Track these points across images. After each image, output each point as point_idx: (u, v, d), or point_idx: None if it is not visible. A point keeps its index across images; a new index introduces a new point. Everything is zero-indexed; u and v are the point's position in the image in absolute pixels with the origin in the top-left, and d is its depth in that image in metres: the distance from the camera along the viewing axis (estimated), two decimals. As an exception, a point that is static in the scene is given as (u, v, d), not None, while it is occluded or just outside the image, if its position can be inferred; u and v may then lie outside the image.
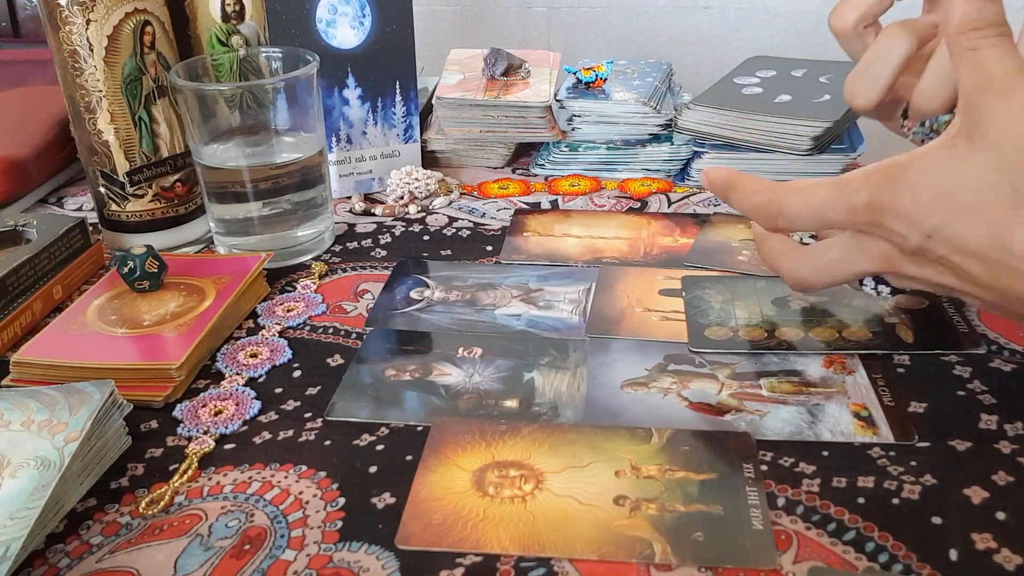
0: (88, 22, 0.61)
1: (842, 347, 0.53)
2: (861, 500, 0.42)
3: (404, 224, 0.73)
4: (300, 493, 0.44)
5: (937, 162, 0.40)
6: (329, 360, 0.55)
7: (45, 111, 0.83)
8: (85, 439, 0.44)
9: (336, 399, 0.51)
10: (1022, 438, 0.45)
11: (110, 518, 0.43)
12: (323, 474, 0.45)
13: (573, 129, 0.83)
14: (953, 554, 0.39)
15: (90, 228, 0.67)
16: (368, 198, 0.78)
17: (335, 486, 0.44)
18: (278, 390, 0.52)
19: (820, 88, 0.81)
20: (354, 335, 0.57)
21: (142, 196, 0.67)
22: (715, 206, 0.74)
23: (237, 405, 0.51)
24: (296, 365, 0.55)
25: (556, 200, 0.77)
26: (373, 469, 0.45)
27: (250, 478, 0.45)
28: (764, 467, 0.44)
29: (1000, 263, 0.39)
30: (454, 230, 0.71)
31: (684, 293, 0.60)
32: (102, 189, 0.67)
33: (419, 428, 0.48)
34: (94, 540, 0.42)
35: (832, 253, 0.46)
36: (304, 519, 0.42)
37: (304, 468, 0.46)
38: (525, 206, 0.76)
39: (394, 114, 0.78)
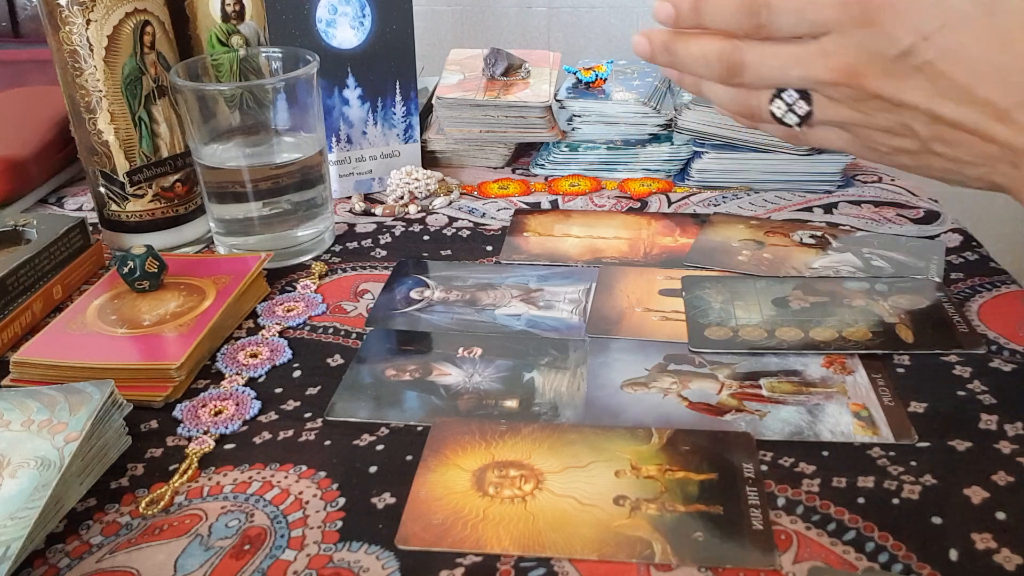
0: (88, 22, 0.61)
1: (842, 347, 0.53)
2: (861, 500, 0.42)
3: (404, 224, 0.73)
4: (300, 493, 0.44)
5: None
6: (329, 360, 0.55)
7: (45, 111, 0.83)
8: (85, 439, 0.44)
9: (336, 399, 0.51)
10: (1022, 438, 0.45)
11: (110, 518, 0.43)
12: (323, 474, 0.45)
13: (573, 129, 0.83)
14: (953, 554, 0.39)
15: (90, 228, 0.67)
16: (368, 198, 0.78)
17: (335, 486, 0.44)
18: (278, 390, 0.52)
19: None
20: (354, 335, 0.57)
21: (142, 196, 0.67)
22: (715, 206, 0.74)
23: (237, 405, 0.51)
24: (296, 365, 0.55)
25: (556, 200, 0.77)
26: (373, 469, 0.45)
27: (250, 478, 0.45)
28: (764, 467, 0.44)
29: (998, 73, 0.39)
30: (454, 230, 0.71)
31: (684, 293, 0.60)
32: (102, 189, 0.67)
33: (419, 428, 0.48)
34: (94, 540, 0.42)
35: (788, 48, 0.43)
36: (304, 519, 0.42)
37: (304, 468, 0.46)
38: (525, 206, 0.76)
39: (394, 114, 0.78)
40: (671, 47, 0.47)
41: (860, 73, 0.41)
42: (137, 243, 0.60)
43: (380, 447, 0.47)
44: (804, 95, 0.44)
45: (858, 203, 0.73)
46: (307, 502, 0.43)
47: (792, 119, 0.46)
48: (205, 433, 0.49)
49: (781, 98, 0.45)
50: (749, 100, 0.46)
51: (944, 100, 0.40)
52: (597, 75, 0.84)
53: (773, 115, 0.46)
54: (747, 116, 0.47)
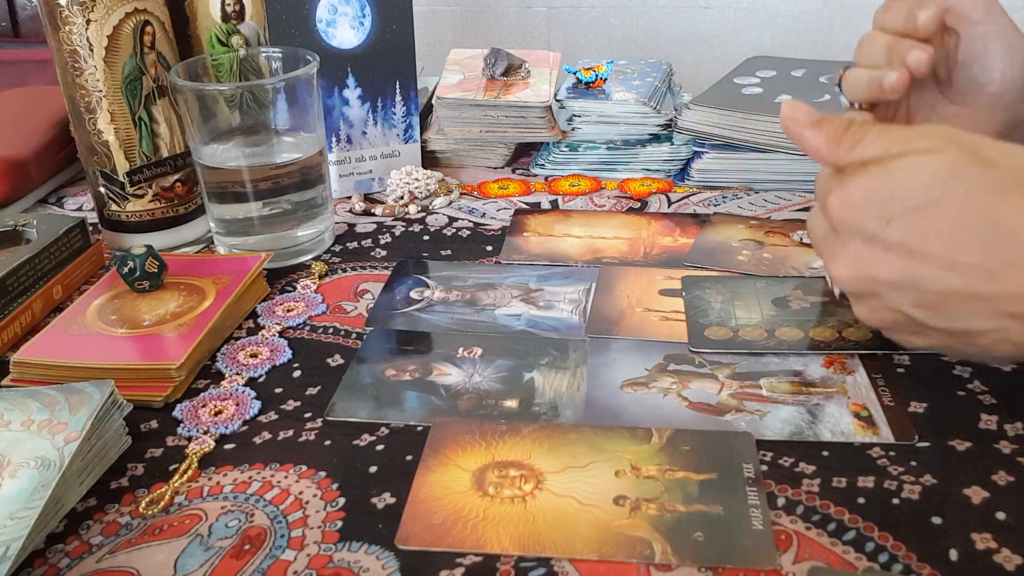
0: (88, 22, 0.61)
1: (842, 347, 0.53)
2: (861, 500, 0.42)
3: (404, 224, 0.73)
4: (300, 493, 0.44)
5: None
6: (329, 360, 0.55)
7: (45, 111, 0.83)
8: (85, 439, 0.44)
9: (336, 399, 0.51)
10: (1022, 438, 0.45)
11: (110, 518, 0.43)
12: (323, 474, 0.45)
13: (573, 129, 0.83)
14: (953, 554, 0.39)
15: (90, 228, 0.67)
16: (368, 198, 0.78)
17: (335, 486, 0.44)
18: (278, 390, 0.52)
19: (820, 88, 0.81)
20: (354, 335, 0.57)
21: (142, 196, 0.67)
22: (715, 206, 0.74)
23: (237, 405, 0.51)
24: (296, 365, 0.55)
25: (556, 200, 0.77)
26: (373, 469, 0.45)
27: (250, 478, 0.45)
28: (764, 467, 0.44)
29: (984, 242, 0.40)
30: (454, 230, 0.71)
31: (684, 293, 0.60)
32: (102, 189, 0.67)
33: (419, 428, 0.48)
34: (94, 540, 0.42)
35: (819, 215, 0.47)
36: (304, 519, 0.42)
37: (304, 468, 0.46)
38: (525, 206, 0.76)
39: (394, 114, 0.78)
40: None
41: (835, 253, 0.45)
42: (137, 243, 0.60)
43: (380, 447, 0.47)
44: None
45: (858, 203, 0.73)
46: (307, 502, 0.43)
47: (835, 289, 0.49)
48: (205, 433, 0.49)
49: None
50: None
51: (926, 270, 0.41)
52: (597, 75, 0.84)
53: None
54: None
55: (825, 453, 0.45)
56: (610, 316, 0.58)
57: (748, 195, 0.76)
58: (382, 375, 0.53)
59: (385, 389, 0.52)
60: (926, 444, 0.45)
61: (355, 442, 0.47)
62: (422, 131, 0.84)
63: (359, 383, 0.52)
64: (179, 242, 0.69)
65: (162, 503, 0.44)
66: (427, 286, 0.63)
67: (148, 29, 0.64)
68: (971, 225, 0.40)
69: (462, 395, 0.51)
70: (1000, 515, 0.40)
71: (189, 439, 0.48)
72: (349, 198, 0.77)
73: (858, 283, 0.44)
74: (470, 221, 0.73)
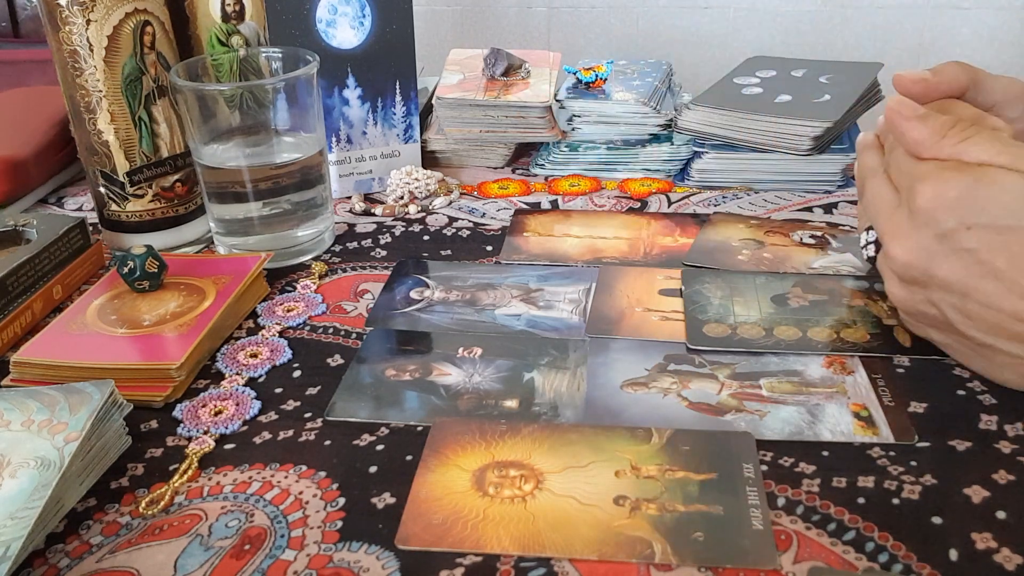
0: (88, 22, 0.61)
1: (839, 349, 0.53)
2: (861, 500, 0.42)
3: (404, 224, 0.73)
4: (300, 493, 0.44)
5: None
6: (329, 360, 0.55)
7: (45, 111, 0.83)
8: (85, 439, 0.44)
9: (336, 399, 0.51)
10: (1022, 438, 0.45)
11: (110, 518, 0.43)
12: (323, 474, 0.45)
13: (573, 129, 0.83)
14: (953, 554, 0.39)
15: (90, 228, 0.67)
16: (368, 198, 0.78)
17: (335, 486, 0.44)
18: (278, 390, 0.52)
19: (820, 88, 0.81)
20: (354, 335, 0.57)
21: (142, 196, 0.67)
22: (715, 206, 0.74)
23: (237, 405, 0.51)
24: (296, 365, 0.55)
25: (556, 200, 0.77)
26: (373, 469, 0.45)
27: (250, 478, 0.45)
28: (764, 467, 0.44)
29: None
30: (454, 230, 0.71)
31: (684, 287, 0.60)
32: (102, 189, 0.67)
33: (419, 428, 0.48)
34: (94, 540, 0.42)
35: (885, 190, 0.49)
36: (304, 519, 0.42)
37: (304, 468, 0.46)
38: (525, 206, 0.76)
39: (394, 114, 0.78)
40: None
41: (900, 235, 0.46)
42: (137, 243, 0.60)
43: (380, 447, 0.47)
44: (877, 241, 0.50)
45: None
46: (307, 502, 0.43)
47: (868, 252, 0.52)
48: (205, 433, 0.49)
49: (868, 231, 0.52)
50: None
51: (985, 283, 0.43)
52: (597, 75, 0.84)
53: (861, 239, 0.52)
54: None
55: (825, 453, 0.45)
56: (610, 316, 0.58)
57: (748, 195, 0.76)
58: (382, 375, 0.53)
59: (385, 389, 0.52)
60: (926, 444, 0.45)
61: (355, 442, 0.47)
62: (422, 131, 0.84)
63: (359, 383, 0.52)
64: (179, 242, 0.69)
65: (162, 503, 0.44)
66: (427, 286, 0.63)
67: (148, 29, 0.64)
68: None
69: (462, 395, 0.51)
70: (1000, 515, 0.41)
71: (189, 439, 0.48)
72: (349, 198, 0.77)
73: (912, 270, 0.46)
74: (470, 221, 0.73)
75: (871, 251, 0.51)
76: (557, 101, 0.82)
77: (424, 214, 0.74)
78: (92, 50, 0.62)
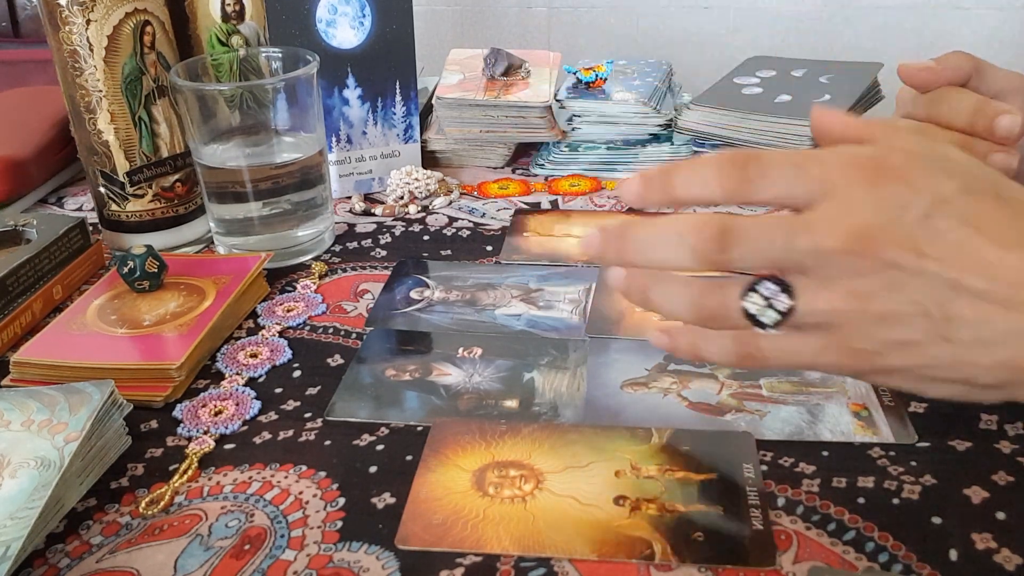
0: (88, 22, 0.61)
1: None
2: (861, 500, 0.42)
3: (404, 224, 0.73)
4: (300, 493, 0.44)
5: None
6: (329, 360, 0.55)
7: (45, 111, 0.83)
8: (85, 439, 0.44)
9: (336, 399, 0.51)
10: (1022, 438, 0.45)
11: (110, 518, 0.43)
12: (323, 474, 0.45)
13: (573, 129, 0.83)
14: (953, 554, 0.39)
15: (90, 228, 0.67)
16: (368, 198, 0.78)
17: (335, 486, 0.44)
18: (278, 390, 0.52)
19: (820, 88, 0.81)
20: (354, 335, 0.57)
21: (142, 196, 0.67)
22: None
23: (237, 405, 0.51)
24: (296, 365, 0.55)
25: (556, 200, 0.77)
26: (373, 469, 0.45)
27: (250, 478, 0.45)
28: (764, 467, 0.44)
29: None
30: (454, 230, 0.71)
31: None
32: (102, 189, 0.67)
33: (419, 428, 0.48)
34: (94, 540, 0.42)
35: (786, 214, 0.38)
36: (304, 519, 0.42)
37: (304, 468, 0.46)
38: (525, 206, 0.76)
39: (394, 114, 0.78)
40: (627, 232, 0.39)
41: (875, 238, 0.35)
42: (137, 243, 0.60)
43: (380, 447, 0.47)
44: (785, 288, 0.37)
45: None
46: (307, 502, 0.43)
47: (770, 317, 0.37)
48: (205, 433, 0.49)
49: (757, 291, 0.37)
50: (714, 298, 0.39)
51: (970, 268, 0.35)
52: (597, 75, 0.84)
53: (747, 313, 0.38)
54: (710, 320, 0.39)
55: (825, 453, 0.45)
56: (610, 316, 0.58)
57: (748, 195, 0.76)
58: (382, 375, 0.53)
59: (385, 389, 0.52)
60: (926, 444, 0.45)
61: (355, 442, 0.47)
62: (422, 131, 0.84)
63: (359, 383, 0.52)
64: (179, 242, 0.69)
65: (162, 503, 0.44)
66: (427, 286, 0.63)
67: (148, 29, 0.64)
68: None
69: (462, 395, 0.51)
70: (1000, 515, 0.40)
71: (189, 439, 0.48)
72: (349, 198, 0.77)
73: (858, 267, 0.36)
74: (470, 221, 0.73)
75: (781, 304, 0.38)
76: (557, 101, 0.82)
77: (424, 214, 0.74)
78: (92, 50, 0.62)
